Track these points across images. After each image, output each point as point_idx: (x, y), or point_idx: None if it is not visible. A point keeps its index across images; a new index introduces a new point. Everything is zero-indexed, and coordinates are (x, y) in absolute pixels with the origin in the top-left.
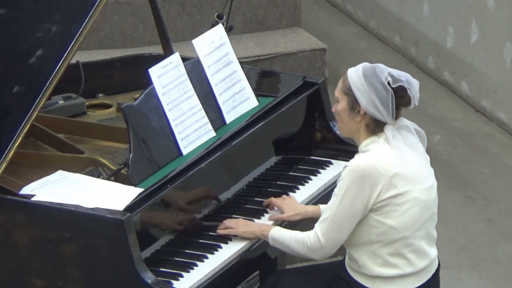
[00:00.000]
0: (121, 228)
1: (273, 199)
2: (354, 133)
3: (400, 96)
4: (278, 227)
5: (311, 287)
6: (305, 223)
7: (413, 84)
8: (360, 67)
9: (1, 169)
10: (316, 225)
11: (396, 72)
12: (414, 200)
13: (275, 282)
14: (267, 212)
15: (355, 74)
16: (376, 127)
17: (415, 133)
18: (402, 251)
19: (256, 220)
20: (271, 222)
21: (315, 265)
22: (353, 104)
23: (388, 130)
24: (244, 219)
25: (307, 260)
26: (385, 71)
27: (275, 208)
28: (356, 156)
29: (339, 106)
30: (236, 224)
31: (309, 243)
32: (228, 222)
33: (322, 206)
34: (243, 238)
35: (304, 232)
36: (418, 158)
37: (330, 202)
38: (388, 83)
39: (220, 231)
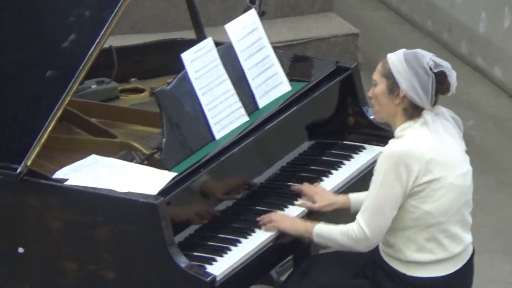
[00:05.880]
0: (155, 213)
1: (304, 188)
2: (391, 116)
3: (440, 82)
4: (321, 223)
5: (345, 272)
6: (334, 215)
7: (452, 72)
8: (400, 52)
9: (35, 154)
10: (358, 216)
11: (437, 58)
12: (449, 186)
13: (308, 266)
14: (300, 197)
15: (395, 58)
16: (413, 111)
17: (451, 120)
18: (437, 236)
19: (289, 206)
20: (302, 209)
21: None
22: (393, 87)
23: (427, 114)
24: (278, 204)
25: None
26: (426, 56)
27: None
28: (390, 141)
29: (377, 89)
30: (282, 218)
31: (354, 235)
32: (273, 215)
33: (351, 196)
34: None
35: (347, 225)
36: (455, 144)
37: (369, 191)
38: (430, 68)
39: (263, 223)
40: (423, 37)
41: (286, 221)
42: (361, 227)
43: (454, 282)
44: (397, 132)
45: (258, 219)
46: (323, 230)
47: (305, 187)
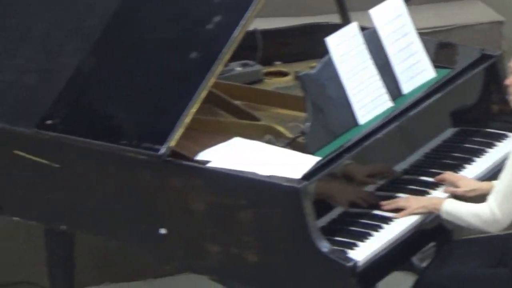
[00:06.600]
0: (297, 197)
1: (447, 176)
2: None
3: None
4: (450, 199)
5: (485, 260)
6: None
7: None
8: None
9: (179, 135)
10: (490, 197)
11: None
12: None
13: (449, 253)
14: (442, 185)
15: None
16: None
17: None
18: None
19: (431, 192)
20: (445, 195)
21: (489, 236)
22: None
23: None
24: (419, 190)
25: (483, 232)
26: None
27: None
28: None
29: None
30: (407, 203)
31: (484, 216)
32: (399, 202)
33: (495, 183)
34: None
35: (478, 205)
36: None
37: (502, 174)
38: None
39: (394, 213)
40: None
41: (412, 202)
42: (492, 209)
43: None
44: None
45: (383, 205)
46: (451, 207)
47: (448, 174)
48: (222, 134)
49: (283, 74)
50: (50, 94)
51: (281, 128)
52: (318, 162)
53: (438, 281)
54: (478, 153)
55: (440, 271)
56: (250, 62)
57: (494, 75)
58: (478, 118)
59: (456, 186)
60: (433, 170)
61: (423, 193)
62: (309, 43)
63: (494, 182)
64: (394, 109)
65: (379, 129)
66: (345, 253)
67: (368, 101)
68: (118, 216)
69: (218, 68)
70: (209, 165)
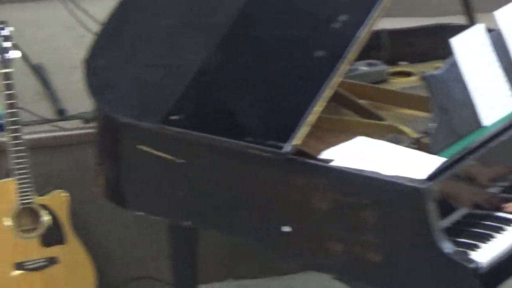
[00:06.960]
0: (421, 197)
1: None
2: None
3: None
4: None
5: None
6: None
7: None
8: None
9: (303, 133)
10: None
11: None
12: None
13: None
14: None
15: None
16: None
17: None
18: None
19: None
20: None
21: None
22: None
23: None
24: None
25: None
26: None
27: None
28: None
29: None
30: None
31: None
32: None
33: None
34: None
35: None
36: None
37: None
38: None
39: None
40: None
41: None
42: None
43: None
44: None
45: (505, 207)
46: None
47: None
48: (346, 133)
49: (408, 74)
50: (175, 89)
51: (405, 128)
52: (443, 163)
53: None
54: None
55: None
56: (376, 61)
57: None
58: None
59: None
60: None
61: None
62: (434, 43)
63: None
64: None
65: (504, 131)
66: (468, 254)
67: (493, 103)
68: (241, 213)
69: (343, 67)
70: (332, 164)
